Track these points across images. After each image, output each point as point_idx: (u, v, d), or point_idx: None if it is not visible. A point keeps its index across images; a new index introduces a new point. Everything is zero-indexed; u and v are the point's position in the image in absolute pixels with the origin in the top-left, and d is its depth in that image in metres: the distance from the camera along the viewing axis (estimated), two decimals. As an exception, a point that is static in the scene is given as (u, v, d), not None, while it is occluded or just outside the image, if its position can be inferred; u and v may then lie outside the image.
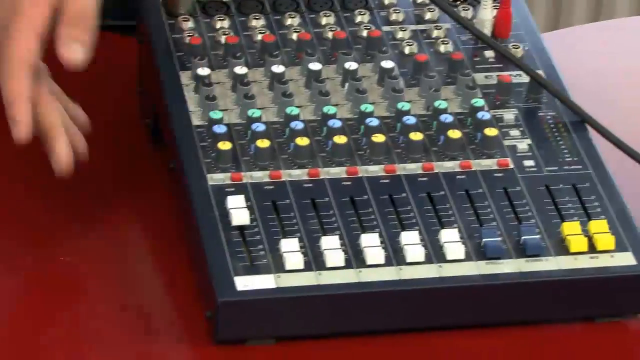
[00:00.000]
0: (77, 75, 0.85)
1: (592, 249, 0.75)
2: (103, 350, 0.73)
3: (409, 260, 0.73)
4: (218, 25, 0.89)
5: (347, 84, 0.84)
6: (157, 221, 0.84)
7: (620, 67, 1.03)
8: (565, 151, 0.82)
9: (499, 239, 0.75)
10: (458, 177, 0.79)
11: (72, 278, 0.81)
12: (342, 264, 0.73)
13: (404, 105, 0.82)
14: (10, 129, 0.80)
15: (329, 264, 0.72)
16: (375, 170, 0.79)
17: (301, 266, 0.72)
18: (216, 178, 0.77)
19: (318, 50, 0.87)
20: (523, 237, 0.75)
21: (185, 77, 0.85)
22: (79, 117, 0.85)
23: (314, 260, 0.73)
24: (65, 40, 0.80)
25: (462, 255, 0.73)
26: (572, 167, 0.80)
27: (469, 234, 0.75)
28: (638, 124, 0.93)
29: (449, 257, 0.73)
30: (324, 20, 0.90)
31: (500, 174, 0.79)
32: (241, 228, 0.74)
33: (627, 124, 0.90)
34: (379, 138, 0.79)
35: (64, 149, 0.80)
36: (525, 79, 0.86)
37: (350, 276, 0.72)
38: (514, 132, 0.82)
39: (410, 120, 0.81)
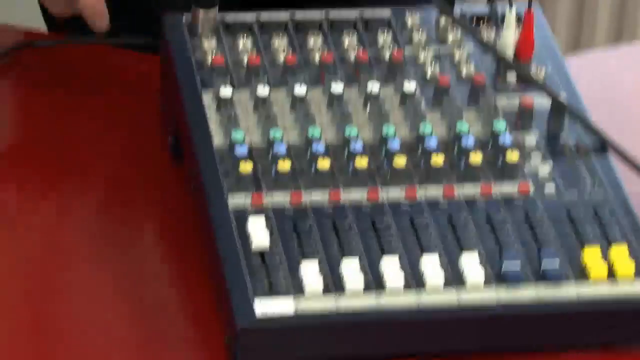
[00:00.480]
0: (100, 92, 0.86)
1: (612, 275, 0.75)
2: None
3: (428, 284, 0.73)
4: (240, 45, 0.89)
5: (368, 106, 0.85)
6: (177, 241, 0.85)
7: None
8: (587, 176, 0.82)
9: (519, 264, 0.75)
10: (478, 201, 0.79)
11: (88, 292, 0.82)
12: (362, 287, 0.73)
13: (425, 128, 0.82)
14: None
15: (348, 287, 0.73)
16: (396, 193, 0.79)
17: (321, 289, 0.73)
18: (237, 200, 0.78)
19: (340, 72, 0.88)
20: (543, 263, 0.75)
21: (207, 97, 0.85)
22: None
23: (334, 283, 0.73)
24: None
25: (481, 280, 0.74)
26: (593, 192, 0.81)
27: (489, 258, 0.76)
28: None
29: (468, 282, 0.74)
30: (346, 41, 0.90)
31: (520, 199, 0.79)
32: (261, 251, 0.75)
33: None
34: (400, 161, 0.79)
35: None
36: (547, 102, 0.86)
37: (370, 300, 0.73)
38: (535, 156, 0.82)
39: (432, 143, 0.81)
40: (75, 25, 1.03)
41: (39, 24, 1.21)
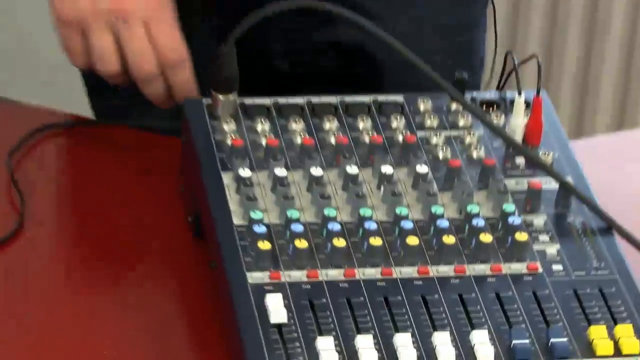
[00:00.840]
0: (124, 172, 0.89)
1: (618, 352, 0.77)
2: None
3: (440, 360, 0.76)
4: (259, 128, 0.92)
5: (382, 187, 0.87)
6: (198, 316, 0.87)
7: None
8: (593, 256, 0.84)
9: (528, 341, 0.77)
10: (489, 279, 0.82)
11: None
12: (376, 362, 0.76)
13: (437, 209, 0.85)
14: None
15: (363, 363, 0.75)
16: (409, 271, 0.81)
17: (336, 364, 0.75)
18: (255, 277, 0.80)
19: (355, 154, 0.91)
20: (551, 340, 0.77)
21: (226, 178, 0.88)
22: None
23: (349, 359, 0.75)
24: None
25: (491, 357, 0.76)
26: (599, 272, 0.83)
27: (499, 336, 0.78)
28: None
29: (479, 359, 0.76)
30: (361, 125, 0.93)
31: (529, 278, 0.82)
32: (279, 326, 0.77)
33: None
34: (413, 241, 0.82)
35: None
36: (554, 185, 0.89)
37: (384, 375, 0.75)
38: (544, 237, 0.85)
39: (444, 223, 0.84)
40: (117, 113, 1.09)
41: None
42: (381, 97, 0.96)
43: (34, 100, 1.20)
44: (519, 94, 0.93)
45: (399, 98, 0.97)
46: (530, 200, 0.88)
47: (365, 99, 0.96)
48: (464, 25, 1.14)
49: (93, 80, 1.09)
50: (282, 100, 0.95)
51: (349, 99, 0.96)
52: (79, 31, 1.00)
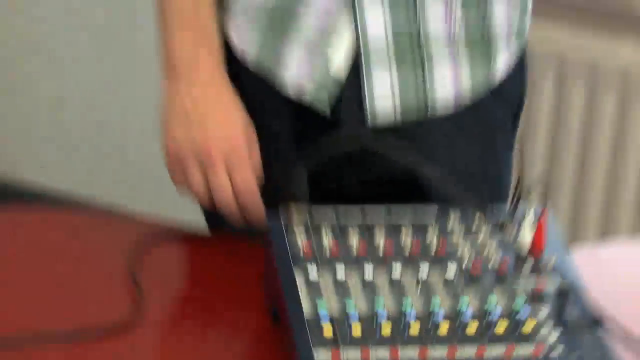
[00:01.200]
0: (216, 274, 1.07)
1: None
2: None
3: None
4: (324, 237, 1.11)
5: (420, 286, 1.06)
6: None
7: (629, 276, 1.23)
8: (586, 342, 1.01)
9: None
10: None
11: None
12: None
13: (462, 304, 1.03)
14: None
15: None
16: (440, 352, 0.99)
17: None
18: (321, 355, 0.97)
19: (398, 258, 1.09)
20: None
21: (298, 277, 1.06)
22: None
23: None
24: None
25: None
26: (591, 355, 0.99)
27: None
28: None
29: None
30: (403, 236, 1.12)
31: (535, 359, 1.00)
32: (340, 394, 0.96)
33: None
34: (443, 328, 1.00)
35: None
36: (556, 284, 1.07)
37: None
38: (546, 326, 1.02)
39: (467, 315, 1.02)
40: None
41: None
42: (419, 209, 1.15)
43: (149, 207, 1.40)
44: (527, 213, 1.11)
45: (433, 210, 1.15)
46: (536, 297, 1.05)
47: (407, 210, 1.15)
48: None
49: None
50: (341, 212, 1.14)
51: (395, 210, 1.14)
52: (180, 165, 1.21)
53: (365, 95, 1.22)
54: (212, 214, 1.26)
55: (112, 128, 2.81)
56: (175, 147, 1.21)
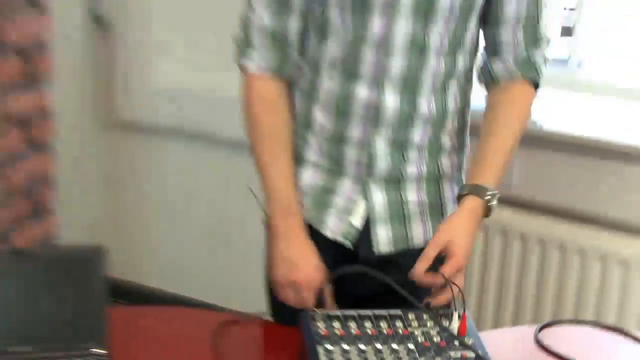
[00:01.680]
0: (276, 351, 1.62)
1: None
2: None
3: None
4: (336, 325, 1.71)
5: (392, 354, 1.66)
6: None
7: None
8: None
9: None
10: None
11: None
12: None
13: None
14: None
15: None
16: None
17: None
18: None
19: (380, 338, 1.69)
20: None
21: (320, 350, 1.64)
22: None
23: None
24: None
25: None
26: None
27: None
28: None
29: None
30: (383, 324, 1.73)
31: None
32: None
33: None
34: None
35: None
36: (473, 354, 1.68)
37: None
38: None
39: None
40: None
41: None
42: (403, 311, 1.76)
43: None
44: (458, 317, 1.74)
45: (395, 310, 1.78)
46: (462, 361, 1.67)
47: (397, 312, 1.76)
48: None
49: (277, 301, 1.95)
50: (348, 313, 1.76)
51: (381, 312, 1.76)
52: (282, 289, 1.91)
53: (372, 239, 1.95)
54: (281, 308, 1.93)
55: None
56: (280, 281, 1.91)
